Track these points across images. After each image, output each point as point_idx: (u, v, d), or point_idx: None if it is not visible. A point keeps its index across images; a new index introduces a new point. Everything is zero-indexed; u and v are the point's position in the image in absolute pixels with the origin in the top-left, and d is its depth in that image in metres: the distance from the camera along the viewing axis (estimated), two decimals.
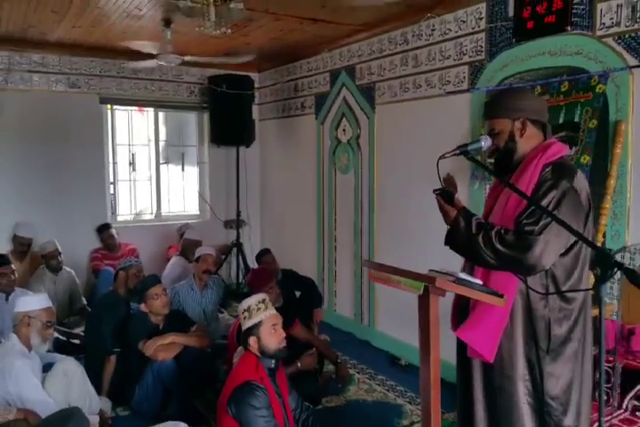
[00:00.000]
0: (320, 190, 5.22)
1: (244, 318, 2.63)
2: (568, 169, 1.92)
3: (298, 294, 4.32)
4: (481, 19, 3.35)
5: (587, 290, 1.86)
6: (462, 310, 2.04)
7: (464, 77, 3.53)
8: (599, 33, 2.77)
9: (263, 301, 2.68)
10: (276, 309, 3.49)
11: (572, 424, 1.92)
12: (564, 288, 1.88)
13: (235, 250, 5.83)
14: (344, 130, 4.82)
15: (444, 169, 1.97)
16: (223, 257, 5.80)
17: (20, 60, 5.06)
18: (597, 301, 1.46)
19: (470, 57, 3.47)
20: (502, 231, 1.85)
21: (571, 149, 2.95)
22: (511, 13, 3.14)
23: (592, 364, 2.04)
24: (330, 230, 5.13)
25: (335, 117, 4.93)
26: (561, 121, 2.96)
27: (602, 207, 2.75)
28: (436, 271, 1.87)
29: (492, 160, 2.12)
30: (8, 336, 2.87)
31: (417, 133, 3.92)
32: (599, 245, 2.76)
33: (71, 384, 2.82)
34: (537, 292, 1.87)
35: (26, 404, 2.61)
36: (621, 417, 2.48)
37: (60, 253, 4.67)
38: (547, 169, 1.89)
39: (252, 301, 2.67)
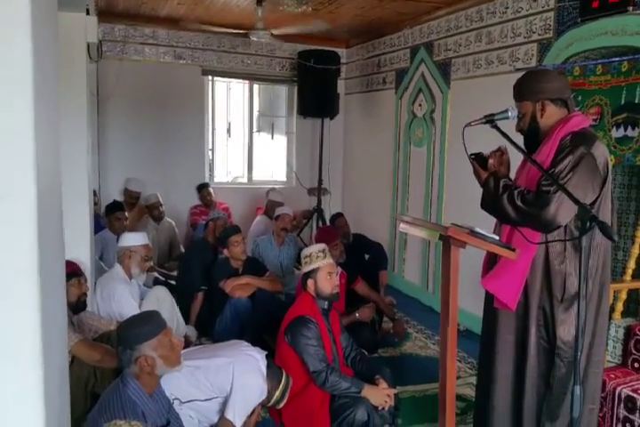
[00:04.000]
0: (396, 162, 5.49)
1: (305, 262, 2.98)
2: (587, 137, 2.08)
3: (367, 257, 4.65)
4: None
5: (572, 239, 2.05)
6: (492, 266, 2.27)
7: (532, 55, 3.66)
8: None
9: (323, 250, 3.00)
10: (339, 264, 3.89)
11: (581, 366, 2.07)
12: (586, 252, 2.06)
13: (315, 215, 6.26)
14: (420, 105, 5.04)
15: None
16: (305, 221, 6.24)
17: (134, 34, 5.69)
18: (575, 245, 1.69)
19: (539, 35, 3.59)
20: (525, 191, 2.06)
21: (633, 130, 3.05)
22: None
23: (607, 319, 2.26)
24: (403, 201, 5.41)
25: (413, 92, 5.15)
26: (622, 102, 3.04)
27: None
28: (457, 225, 2.16)
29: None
30: (114, 267, 3.44)
31: (487, 109, 3.96)
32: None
33: (162, 308, 3.29)
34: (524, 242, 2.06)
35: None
36: None
37: (161, 205, 5.27)
38: (566, 138, 2.08)
39: (313, 249, 3.01)
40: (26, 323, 0.98)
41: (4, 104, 0.88)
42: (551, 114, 2.16)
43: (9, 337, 0.97)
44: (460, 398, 3.23)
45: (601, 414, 2.56)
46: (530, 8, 3.64)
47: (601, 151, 2.07)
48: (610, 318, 2.78)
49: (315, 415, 2.70)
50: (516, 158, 2.26)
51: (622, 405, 2.54)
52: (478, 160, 2.25)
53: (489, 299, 2.32)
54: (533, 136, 2.21)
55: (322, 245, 3.08)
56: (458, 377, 3.53)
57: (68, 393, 1.47)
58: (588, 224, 1.64)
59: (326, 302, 2.97)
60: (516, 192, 2.07)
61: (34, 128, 0.91)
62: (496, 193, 2.13)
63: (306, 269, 2.98)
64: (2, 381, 0.99)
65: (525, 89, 2.20)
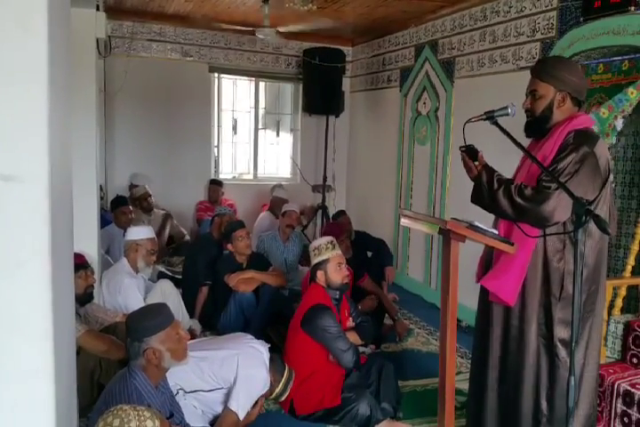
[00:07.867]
0: (400, 160, 5.52)
1: (315, 254, 3.03)
2: (590, 136, 2.10)
3: (370, 254, 4.68)
4: None
5: (568, 232, 2.06)
6: (487, 265, 2.30)
7: (536, 53, 3.69)
8: None
9: (331, 242, 3.06)
10: (346, 260, 3.93)
11: (578, 365, 2.11)
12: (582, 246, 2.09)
13: (320, 212, 6.29)
14: (424, 103, 5.07)
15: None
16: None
17: (142, 30, 5.73)
18: (574, 243, 1.72)
19: (542, 34, 3.62)
20: (522, 186, 2.06)
21: None
22: None
23: (602, 317, 2.29)
24: (406, 198, 5.44)
25: (417, 91, 5.19)
26: None
27: None
28: (456, 219, 2.19)
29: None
30: (120, 260, 3.50)
31: (491, 107, 4.01)
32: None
33: (167, 302, 3.34)
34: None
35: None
36: None
37: (149, 196, 5.31)
38: (570, 135, 2.08)
39: (322, 241, 3.07)
40: (37, 301, 1.02)
41: (20, 89, 0.93)
42: (566, 109, 2.15)
43: (22, 314, 1.02)
44: (460, 392, 3.24)
45: (599, 409, 2.59)
46: (533, 7, 3.67)
47: (602, 151, 2.09)
48: (609, 314, 2.83)
49: (327, 390, 2.77)
50: (515, 153, 2.29)
51: (620, 399, 2.57)
52: (468, 152, 2.22)
53: (484, 292, 2.33)
54: (540, 123, 2.19)
55: (330, 238, 3.14)
56: (459, 372, 3.54)
57: (75, 373, 1.52)
58: (584, 218, 1.67)
59: (337, 292, 3.03)
60: (512, 187, 2.07)
61: (48, 114, 0.96)
62: (490, 187, 2.13)
63: (315, 260, 3.02)
64: (16, 357, 1.04)
65: (556, 73, 2.14)
